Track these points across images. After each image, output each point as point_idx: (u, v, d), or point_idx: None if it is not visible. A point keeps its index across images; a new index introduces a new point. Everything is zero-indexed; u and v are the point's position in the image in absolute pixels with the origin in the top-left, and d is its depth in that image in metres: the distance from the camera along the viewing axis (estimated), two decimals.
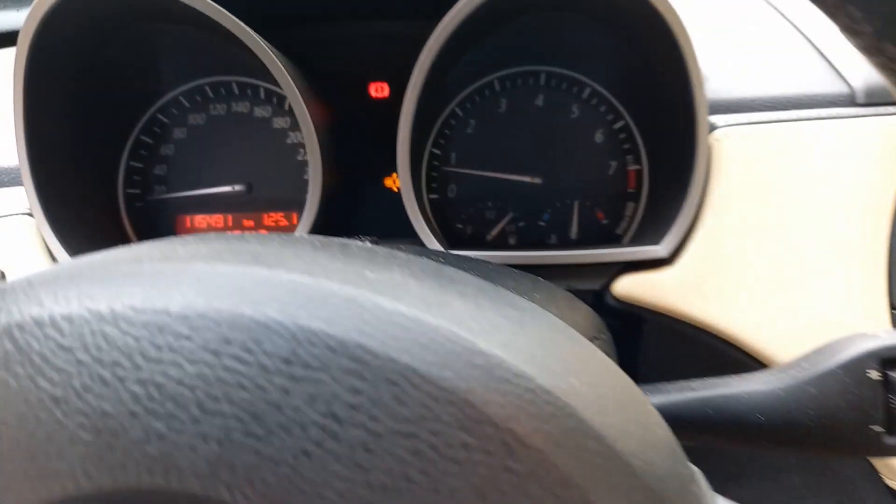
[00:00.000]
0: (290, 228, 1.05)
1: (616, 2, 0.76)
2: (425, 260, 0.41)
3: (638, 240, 0.98)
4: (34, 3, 0.76)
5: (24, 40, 0.78)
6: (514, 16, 0.90)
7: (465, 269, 0.42)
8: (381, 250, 0.41)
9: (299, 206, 1.05)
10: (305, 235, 0.42)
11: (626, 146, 1.01)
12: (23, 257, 0.84)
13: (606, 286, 0.81)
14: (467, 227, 1.05)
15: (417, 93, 0.78)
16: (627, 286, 0.79)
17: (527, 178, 1.02)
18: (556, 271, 0.81)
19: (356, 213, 1.07)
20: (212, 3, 0.76)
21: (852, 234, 0.77)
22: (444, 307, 0.31)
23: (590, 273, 0.81)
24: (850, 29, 0.30)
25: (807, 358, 0.55)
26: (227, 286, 0.28)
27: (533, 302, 0.68)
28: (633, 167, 1.01)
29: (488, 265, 0.69)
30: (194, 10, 0.75)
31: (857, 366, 0.51)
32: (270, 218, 1.06)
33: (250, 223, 1.06)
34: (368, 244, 0.62)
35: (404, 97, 0.80)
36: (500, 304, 0.36)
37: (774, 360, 0.76)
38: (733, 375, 0.59)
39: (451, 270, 0.40)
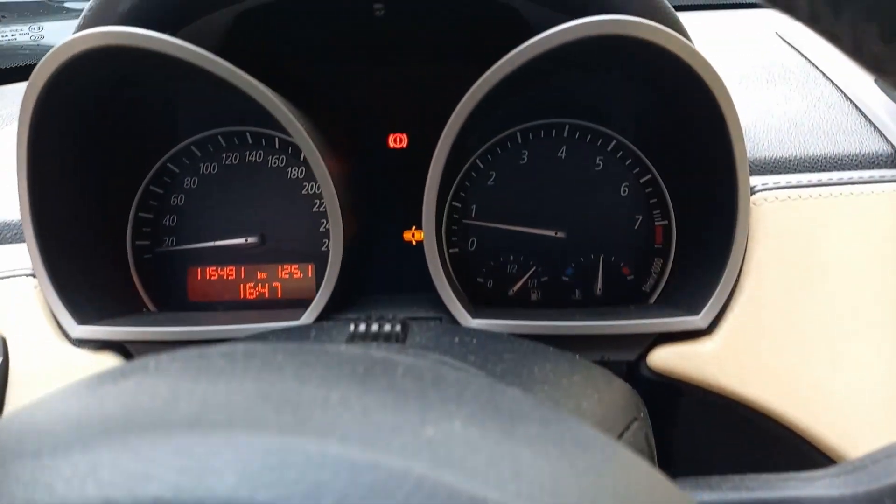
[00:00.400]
0: (306, 281, 1.01)
1: (652, 61, 0.73)
2: (478, 387, 0.37)
3: (666, 298, 0.94)
4: (43, 59, 0.73)
5: (32, 94, 0.75)
6: (545, 74, 0.87)
7: (516, 386, 0.38)
8: (428, 373, 0.37)
9: (315, 259, 1.01)
10: (334, 352, 0.38)
11: (653, 200, 0.97)
12: (24, 321, 0.80)
13: (642, 356, 0.77)
14: (488, 281, 1.01)
15: (446, 154, 0.74)
16: (664, 358, 0.75)
17: (549, 232, 0.99)
18: (589, 340, 0.77)
19: (374, 267, 1.03)
20: (218, 60, 0.72)
21: None
22: (520, 479, 0.27)
23: (625, 343, 0.77)
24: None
25: (877, 461, 0.51)
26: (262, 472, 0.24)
27: (572, 383, 0.64)
28: (660, 222, 0.97)
29: (523, 345, 0.65)
30: (204, 68, 0.71)
31: None
32: (285, 270, 1.02)
33: (263, 275, 1.02)
34: (399, 329, 0.59)
35: (433, 156, 0.76)
36: (569, 453, 0.32)
37: (823, 441, 0.71)
38: (792, 473, 0.54)
39: (507, 400, 0.36)
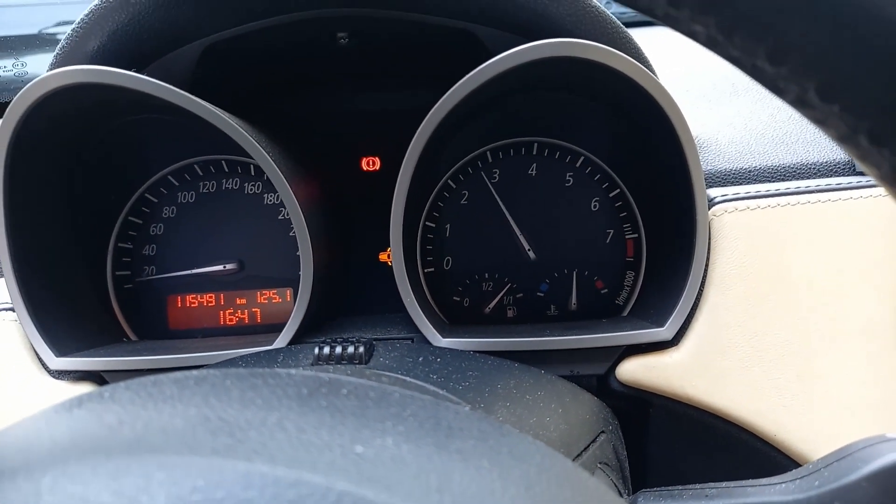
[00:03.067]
0: (285, 306, 1.03)
1: (606, 80, 0.75)
2: (421, 404, 0.38)
3: (639, 309, 0.95)
4: (15, 98, 0.75)
5: (6, 132, 0.76)
6: (507, 95, 0.89)
7: (464, 410, 0.40)
8: (372, 392, 0.38)
9: (293, 283, 1.02)
10: (284, 375, 0.40)
11: (623, 214, 0.99)
12: (3, 354, 0.81)
13: (611, 369, 0.78)
14: (464, 299, 1.02)
15: (410, 174, 0.76)
16: (632, 370, 0.76)
17: (523, 248, 1.00)
18: (558, 355, 0.78)
19: (352, 289, 1.04)
20: (181, 92, 0.74)
21: (864, 312, 0.74)
22: (443, 492, 0.29)
23: (593, 356, 0.78)
24: (822, 122, 0.30)
25: (828, 464, 0.52)
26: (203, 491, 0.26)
27: (536, 398, 0.65)
28: (630, 236, 0.99)
29: (488, 362, 0.66)
30: (169, 101, 0.73)
31: (884, 478, 0.48)
32: (264, 296, 1.03)
33: (243, 301, 1.03)
34: (358, 350, 0.60)
35: (398, 177, 0.78)
36: (502, 464, 0.33)
37: (787, 446, 0.73)
38: (749, 481, 0.56)
39: (450, 415, 0.38)
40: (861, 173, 0.82)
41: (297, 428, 0.31)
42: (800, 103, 0.30)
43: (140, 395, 0.37)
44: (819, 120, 0.31)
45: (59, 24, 1.78)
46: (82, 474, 0.28)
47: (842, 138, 0.31)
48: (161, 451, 0.29)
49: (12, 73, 1.63)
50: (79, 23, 0.76)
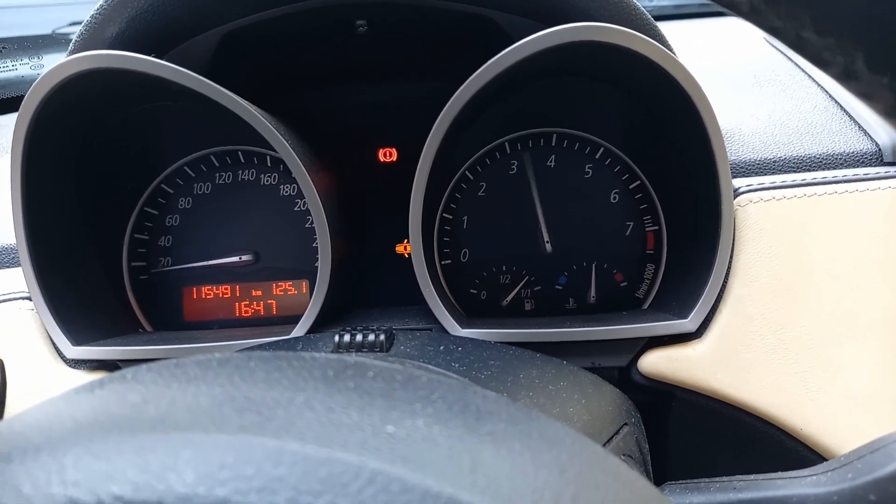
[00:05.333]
0: (300, 298, 1.02)
1: (630, 67, 0.73)
2: (449, 388, 0.37)
3: (659, 303, 0.94)
4: (34, 84, 0.74)
5: (24, 119, 0.76)
6: (526, 83, 0.88)
7: (491, 390, 0.39)
8: (399, 375, 0.38)
9: (309, 275, 1.02)
10: (308, 357, 0.39)
11: (643, 206, 0.98)
12: (21, 343, 0.81)
13: (633, 361, 0.77)
14: (482, 292, 1.01)
15: (429, 166, 0.75)
16: (655, 362, 0.75)
17: (542, 241, 0.99)
18: (579, 347, 0.77)
19: (368, 281, 1.04)
20: (201, 78, 0.73)
21: (891, 303, 0.72)
22: (477, 472, 0.28)
23: (615, 348, 0.77)
24: (869, 96, 0.29)
25: (861, 457, 0.51)
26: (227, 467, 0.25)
27: (559, 389, 0.64)
28: (651, 228, 0.97)
29: (509, 352, 0.65)
30: (189, 87, 0.72)
31: None
32: (279, 287, 1.02)
33: (258, 293, 1.03)
34: (382, 337, 0.59)
35: (417, 168, 0.77)
36: (534, 448, 0.32)
37: (813, 440, 0.71)
38: (779, 473, 0.54)
39: (478, 399, 0.37)
40: (889, 163, 0.80)
41: (325, 408, 0.31)
42: (846, 76, 0.29)
43: (163, 376, 0.36)
44: (866, 93, 0.30)
45: (72, 25, 1.79)
46: (107, 451, 0.27)
47: (890, 112, 0.30)
48: (187, 429, 0.28)
49: (28, 66, 1.64)
50: (98, 9, 0.75)
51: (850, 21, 0.27)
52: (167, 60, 0.73)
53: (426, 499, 0.25)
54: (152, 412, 0.31)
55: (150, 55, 0.72)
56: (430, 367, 0.53)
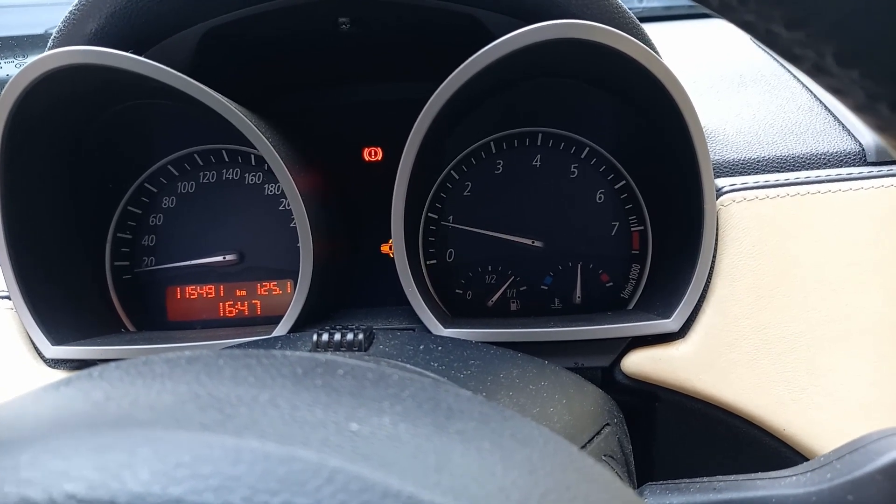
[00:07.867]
0: (285, 298, 1.01)
1: (614, 67, 0.73)
2: (421, 386, 0.37)
3: (644, 303, 0.94)
4: (10, 80, 0.73)
5: (2, 113, 0.75)
6: (510, 83, 0.88)
7: (466, 391, 0.38)
8: (370, 373, 0.37)
9: (294, 275, 1.01)
10: (279, 355, 0.38)
11: (629, 206, 0.98)
12: (1, 343, 0.80)
13: (616, 362, 0.77)
14: (467, 292, 1.01)
15: (411, 164, 0.75)
16: (638, 362, 0.75)
17: (527, 241, 0.99)
18: (562, 347, 0.77)
19: (353, 281, 1.03)
20: (180, 75, 0.73)
21: (875, 304, 0.73)
22: (442, 471, 0.27)
23: (598, 348, 0.77)
24: (840, 91, 0.28)
25: (840, 457, 0.51)
26: (185, 466, 0.24)
27: (540, 389, 0.63)
28: (636, 228, 0.97)
29: (490, 351, 0.65)
30: (168, 84, 0.72)
31: None
32: (264, 288, 1.02)
33: (243, 293, 1.02)
34: (360, 335, 0.58)
35: (399, 167, 0.76)
36: (504, 447, 0.32)
37: (795, 441, 0.71)
38: (759, 474, 0.54)
39: (450, 397, 0.36)
40: (872, 163, 0.80)
41: (290, 405, 0.30)
42: (816, 70, 0.29)
43: (129, 374, 0.36)
44: (837, 88, 0.29)
45: None
46: (64, 449, 0.26)
47: (861, 107, 0.30)
48: (148, 426, 0.28)
49: (13, 64, 1.62)
50: (77, 4, 0.74)
51: (820, 16, 0.26)
52: (147, 58, 0.72)
53: (386, 498, 0.24)
54: (114, 410, 0.30)
55: (129, 51, 0.71)
56: (407, 366, 0.53)
